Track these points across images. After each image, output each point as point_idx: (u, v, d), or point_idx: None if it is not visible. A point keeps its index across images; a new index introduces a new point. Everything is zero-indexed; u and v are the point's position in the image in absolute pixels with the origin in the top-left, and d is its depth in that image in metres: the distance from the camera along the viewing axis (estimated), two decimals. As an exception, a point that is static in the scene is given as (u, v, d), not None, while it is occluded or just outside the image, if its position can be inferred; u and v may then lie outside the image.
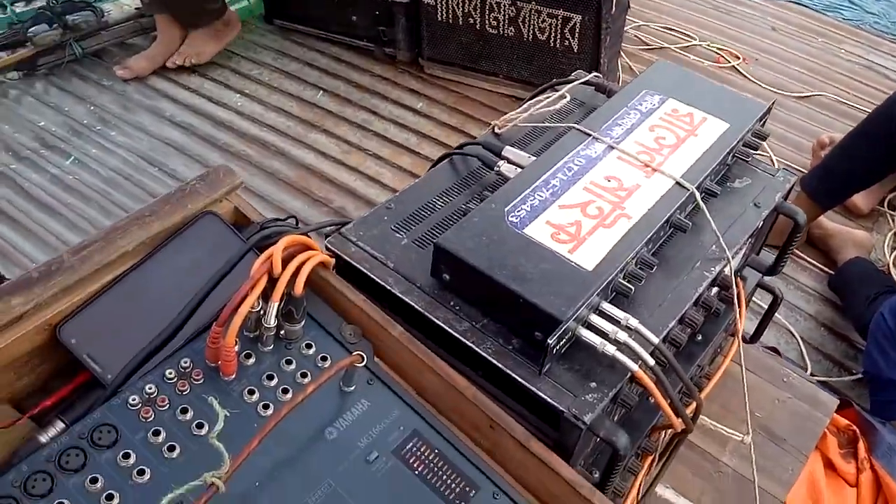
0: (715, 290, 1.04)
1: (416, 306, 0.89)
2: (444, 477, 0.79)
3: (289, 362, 0.82)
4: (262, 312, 0.80)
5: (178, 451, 0.73)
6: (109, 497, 0.68)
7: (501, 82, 2.29)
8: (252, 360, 0.81)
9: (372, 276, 0.92)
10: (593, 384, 0.84)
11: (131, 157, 2.06)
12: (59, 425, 0.76)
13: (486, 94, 2.31)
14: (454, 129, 2.20)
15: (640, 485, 1.09)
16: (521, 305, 0.83)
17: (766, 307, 1.34)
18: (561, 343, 0.84)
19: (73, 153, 2.06)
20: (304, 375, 0.82)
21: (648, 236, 0.92)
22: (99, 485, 0.69)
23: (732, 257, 0.99)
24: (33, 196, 1.92)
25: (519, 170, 1.05)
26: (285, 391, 0.80)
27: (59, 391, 0.81)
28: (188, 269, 0.85)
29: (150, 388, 0.76)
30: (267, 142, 2.13)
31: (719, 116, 1.12)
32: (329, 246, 0.95)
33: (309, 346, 0.84)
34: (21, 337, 0.76)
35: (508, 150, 1.10)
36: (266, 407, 0.78)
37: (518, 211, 0.94)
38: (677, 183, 0.99)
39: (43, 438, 0.75)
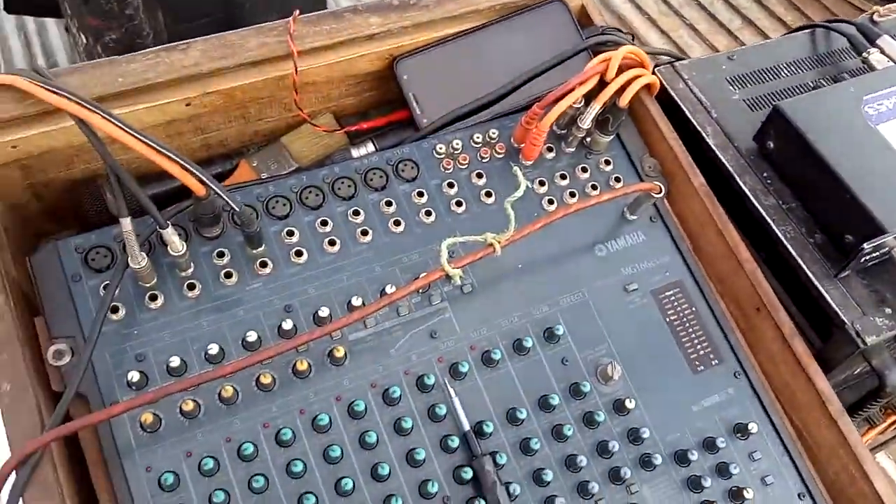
0: None
1: (727, 164, 0.84)
2: (693, 336, 0.77)
3: (584, 170, 0.82)
4: (579, 112, 0.79)
5: (463, 207, 0.77)
6: (397, 223, 0.74)
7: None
8: (552, 155, 0.82)
9: (692, 118, 0.87)
10: (888, 310, 0.76)
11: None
12: (370, 147, 0.83)
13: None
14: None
15: (869, 440, 1.01)
16: (847, 202, 0.75)
17: None
18: (871, 256, 0.75)
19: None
20: (594, 188, 0.81)
21: None
22: (392, 208, 0.75)
23: None
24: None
25: (892, 63, 0.92)
26: (572, 195, 0.80)
27: (375, 119, 0.86)
28: (523, 48, 0.85)
29: (456, 144, 0.79)
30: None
31: None
32: (657, 74, 0.90)
33: (607, 163, 0.83)
34: (364, 56, 0.81)
35: (886, 40, 0.96)
36: (550, 202, 0.79)
37: (879, 104, 0.83)
38: None
39: (355, 153, 0.82)
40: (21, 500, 0.54)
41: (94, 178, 0.76)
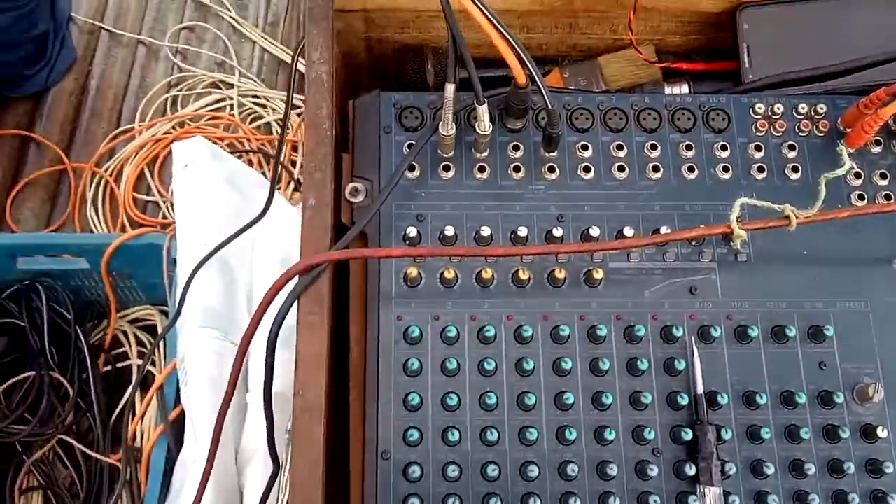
0: None
1: None
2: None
3: (912, 175, 0.73)
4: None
5: (765, 174, 0.72)
6: (691, 169, 0.72)
7: None
8: (878, 150, 0.74)
9: None
10: None
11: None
12: (685, 88, 0.81)
13: None
14: None
15: None
16: None
17: None
18: None
19: None
20: (917, 197, 0.73)
21: None
22: (690, 153, 0.72)
23: None
24: None
25: None
26: (888, 197, 0.72)
27: (697, 63, 0.83)
28: (887, 26, 0.77)
29: (777, 108, 0.74)
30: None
31: None
32: None
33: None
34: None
35: None
36: (861, 198, 0.72)
37: None
38: None
39: (668, 90, 0.80)
40: (297, 302, 0.60)
41: (421, 46, 0.80)
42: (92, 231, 1.36)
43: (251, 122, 1.52)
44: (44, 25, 1.47)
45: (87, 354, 1.10)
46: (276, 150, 1.36)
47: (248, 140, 1.48)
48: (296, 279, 0.61)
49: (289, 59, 1.61)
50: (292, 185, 1.41)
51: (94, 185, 1.42)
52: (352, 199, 0.68)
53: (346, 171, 0.69)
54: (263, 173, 1.39)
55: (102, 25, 1.62)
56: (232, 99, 1.53)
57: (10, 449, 1.08)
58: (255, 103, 1.54)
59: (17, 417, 1.06)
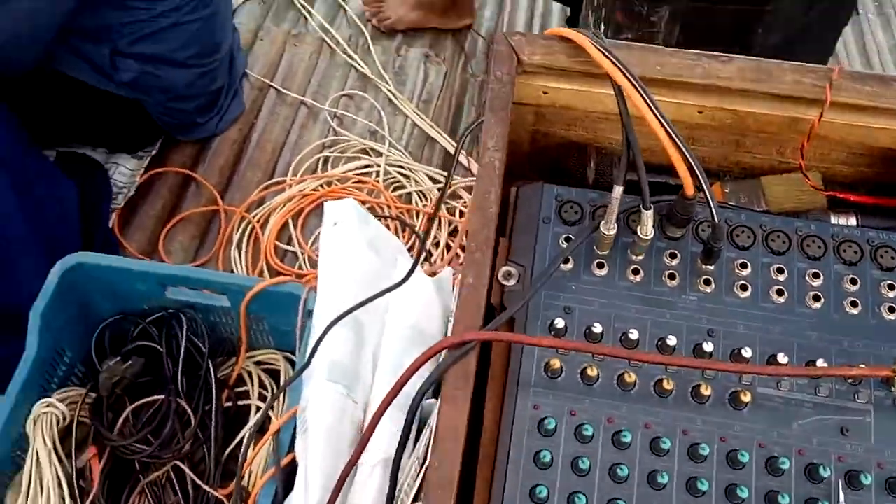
0: None
1: None
2: None
3: None
4: None
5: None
6: (854, 304, 0.69)
7: None
8: None
9: None
10: None
11: None
12: (852, 220, 0.79)
13: None
14: None
15: None
16: None
17: None
18: None
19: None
20: None
21: None
22: (855, 287, 0.70)
23: None
24: None
25: None
26: None
27: (865, 196, 0.81)
28: None
29: (954, 254, 0.71)
30: None
31: None
32: None
33: None
34: (891, 131, 0.76)
35: None
36: None
37: None
38: None
39: (833, 220, 0.79)
40: (444, 375, 0.62)
41: (585, 145, 0.82)
42: (232, 270, 1.45)
43: (393, 190, 1.58)
44: (221, 81, 1.61)
45: (214, 388, 1.15)
46: (427, 225, 1.42)
47: (389, 206, 1.54)
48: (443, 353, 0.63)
49: (437, 136, 1.68)
50: (423, 254, 1.45)
51: (241, 228, 1.51)
52: (504, 282, 0.69)
53: (501, 255, 0.71)
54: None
55: (272, 84, 1.75)
56: (379, 166, 1.60)
57: (129, 466, 1.14)
58: (399, 173, 1.61)
59: (141, 437, 1.11)
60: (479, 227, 0.66)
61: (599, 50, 0.69)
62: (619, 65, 0.67)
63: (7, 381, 1.07)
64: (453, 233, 1.52)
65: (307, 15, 1.90)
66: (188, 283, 1.17)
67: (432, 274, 1.13)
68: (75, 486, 1.07)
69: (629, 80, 0.66)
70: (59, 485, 1.05)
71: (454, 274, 1.20)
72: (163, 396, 1.15)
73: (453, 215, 1.53)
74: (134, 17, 1.38)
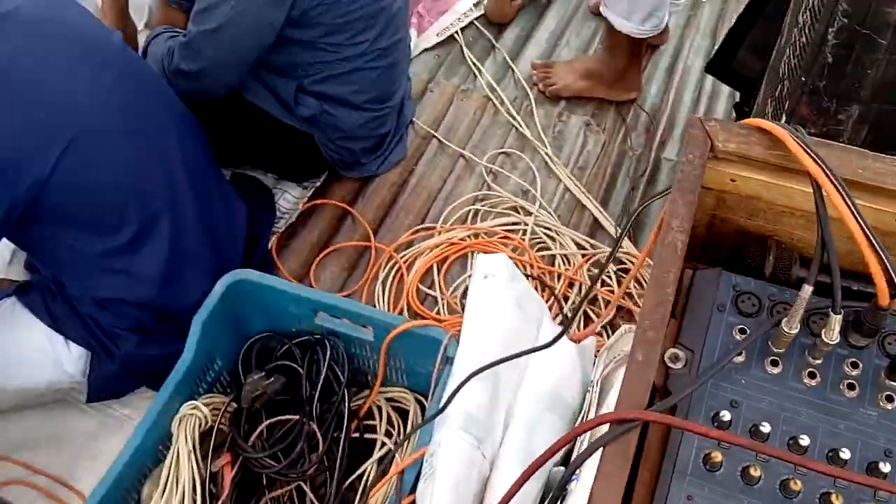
0: None
1: None
2: None
3: None
4: None
5: None
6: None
7: None
8: None
9: None
10: None
11: None
12: None
13: None
14: None
15: None
16: None
17: None
18: None
19: None
20: None
21: None
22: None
23: None
24: None
25: None
26: None
27: None
28: None
29: None
30: None
31: None
32: None
33: None
34: None
35: None
36: None
37: None
38: None
39: None
40: (601, 450, 0.61)
41: (765, 237, 0.81)
42: (374, 305, 1.49)
43: (538, 250, 1.59)
44: (389, 126, 1.69)
45: (346, 417, 1.18)
46: (584, 294, 1.42)
47: (532, 265, 1.55)
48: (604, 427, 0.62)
49: (588, 202, 1.69)
50: (574, 321, 1.44)
51: (388, 266, 1.56)
52: (670, 364, 0.68)
53: (670, 336, 0.70)
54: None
55: (435, 134, 1.82)
56: (527, 225, 1.62)
57: (256, 480, 1.18)
58: (546, 234, 1.62)
59: (272, 453, 1.15)
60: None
61: (801, 146, 0.68)
62: (821, 163, 0.66)
63: (161, 376, 1.14)
64: (592, 300, 1.51)
65: (477, 72, 1.96)
66: (338, 312, 1.22)
67: (575, 340, 1.12)
68: (207, 488, 1.12)
69: (831, 180, 0.65)
70: (194, 486, 1.10)
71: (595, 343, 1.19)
72: (297, 417, 1.19)
73: (595, 283, 1.52)
74: (321, 59, 1.48)
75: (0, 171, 1.01)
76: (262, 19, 1.35)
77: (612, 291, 1.51)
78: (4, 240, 1.13)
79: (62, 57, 1.09)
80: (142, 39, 1.69)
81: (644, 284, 1.47)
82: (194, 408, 1.15)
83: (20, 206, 1.05)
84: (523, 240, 1.60)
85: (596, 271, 1.54)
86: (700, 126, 0.74)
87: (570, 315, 1.47)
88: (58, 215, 1.11)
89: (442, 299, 1.52)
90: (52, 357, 1.22)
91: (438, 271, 1.55)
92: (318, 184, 1.69)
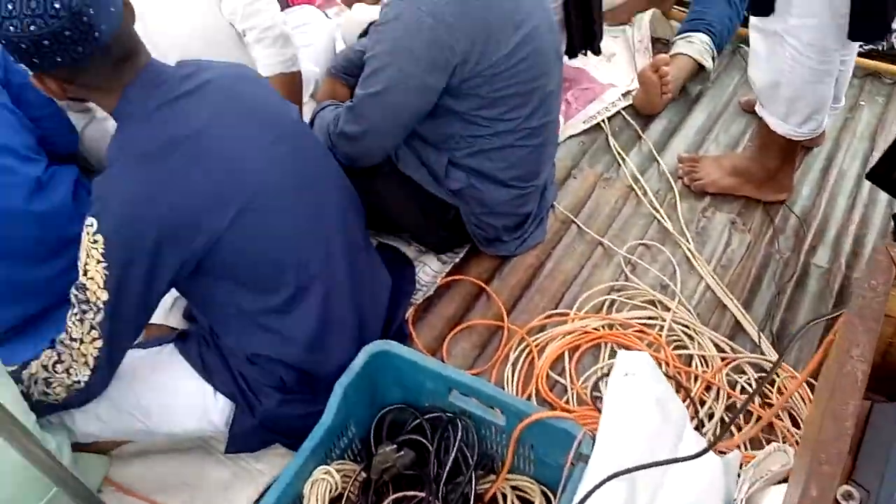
0: None
1: None
2: None
3: None
4: None
5: None
6: None
7: None
8: None
9: None
10: None
11: None
12: None
13: None
14: None
15: None
16: None
17: None
18: None
19: None
20: None
21: None
22: None
23: None
24: None
25: None
26: None
27: None
28: None
29: None
30: None
31: None
32: None
33: None
34: None
35: None
36: None
37: None
38: None
39: None
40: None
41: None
42: (503, 387, 1.49)
43: (674, 348, 1.55)
44: (531, 207, 1.72)
45: (471, 501, 1.18)
46: (741, 407, 1.37)
47: (667, 364, 1.51)
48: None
49: (729, 303, 1.64)
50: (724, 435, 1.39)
51: (519, 349, 1.56)
52: (842, 502, 0.64)
53: (843, 472, 0.66)
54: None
55: (575, 220, 1.83)
56: (664, 321, 1.59)
57: (378, 550, 1.19)
58: (684, 332, 1.58)
59: (396, 527, 1.16)
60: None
61: None
62: None
63: (294, 435, 1.18)
64: (730, 407, 1.44)
65: (621, 161, 1.97)
66: (474, 393, 1.22)
67: (721, 452, 1.08)
68: (332, 554, 1.14)
69: None
70: (320, 550, 1.12)
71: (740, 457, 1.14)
72: (423, 494, 1.19)
73: (733, 388, 1.46)
74: (474, 133, 1.53)
75: (179, 226, 1.10)
76: (424, 83, 1.42)
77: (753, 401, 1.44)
78: (170, 288, 1.22)
79: (245, 126, 1.19)
80: (307, 110, 1.81)
81: (784, 391, 1.40)
82: (327, 472, 1.18)
83: (192, 261, 1.13)
84: (660, 335, 1.56)
85: (735, 376, 1.48)
86: (886, 253, 0.72)
87: (708, 421, 1.41)
88: (226, 271, 1.18)
89: (571, 389, 1.50)
90: (202, 406, 1.28)
91: (570, 359, 1.54)
92: (457, 260, 1.72)
